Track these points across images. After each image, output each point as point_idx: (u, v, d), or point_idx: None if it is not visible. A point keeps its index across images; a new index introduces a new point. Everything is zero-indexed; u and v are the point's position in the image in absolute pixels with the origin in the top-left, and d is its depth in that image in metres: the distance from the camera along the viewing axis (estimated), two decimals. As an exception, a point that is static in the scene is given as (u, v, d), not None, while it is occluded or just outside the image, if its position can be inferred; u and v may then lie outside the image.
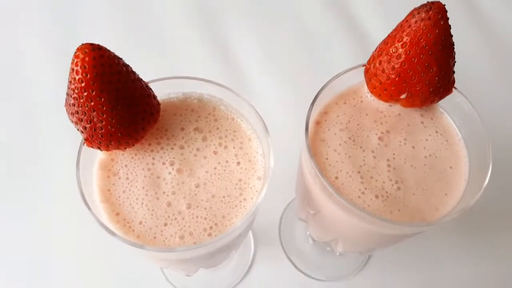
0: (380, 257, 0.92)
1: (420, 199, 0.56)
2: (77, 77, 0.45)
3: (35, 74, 1.08)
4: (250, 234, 0.94)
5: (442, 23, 0.50)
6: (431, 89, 0.55)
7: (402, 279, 0.90)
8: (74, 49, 0.45)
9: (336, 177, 0.56)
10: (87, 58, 0.45)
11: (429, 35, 0.51)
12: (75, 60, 0.45)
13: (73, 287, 0.85)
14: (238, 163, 0.56)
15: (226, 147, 0.57)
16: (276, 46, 1.15)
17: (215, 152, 0.57)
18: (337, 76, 0.59)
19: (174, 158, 0.56)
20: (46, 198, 0.93)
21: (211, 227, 0.52)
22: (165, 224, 0.52)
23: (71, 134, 0.96)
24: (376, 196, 0.55)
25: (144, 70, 0.54)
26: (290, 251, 0.92)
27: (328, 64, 1.13)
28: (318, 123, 0.59)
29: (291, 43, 1.16)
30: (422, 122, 0.61)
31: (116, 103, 0.48)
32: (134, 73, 0.50)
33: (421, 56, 0.53)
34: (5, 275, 0.86)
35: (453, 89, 0.58)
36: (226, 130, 0.58)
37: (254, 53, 1.14)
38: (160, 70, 0.59)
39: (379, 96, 0.58)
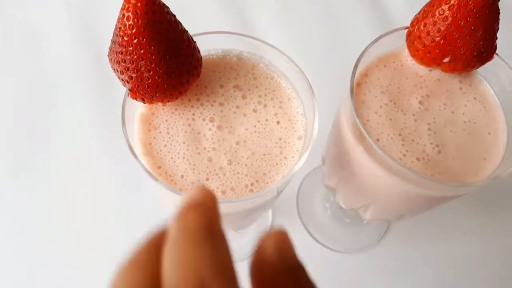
0: (397, 231, 0.93)
1: (460, 164, 0.55)
2: (127, 23, 0.44)
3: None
4: (269, 204, 0.94)
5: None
6: (475, 53, 0.55)
7: (419, 253, 0.90)
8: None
9: (377, 139, 0.55)
10: (139, 4, 0.43)
11: (478, -3, 0.50)
12: (127, 6, 0.44)
13: (86, 246, 0.85)
14: (278, 122, 0.56)
15: (265, 105, 0.56)
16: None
17: (254, 110, 0.56)
18: (379, 38, 0.58)
19: (214, 114, 0.55)
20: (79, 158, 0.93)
21: (252, 184, 0.52)
22: (207, 179, 0.51)
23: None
24: (418, 159, 0.55)
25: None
26: (308, 222, 0.92)
27: (346, 31, 1.12)
28: (358, 84, 0.58)
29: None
30: (460, 88, 0.60)
31: (165, 53, 0.46)
32: (180, 23, 0.49)
33: (468, 19, 0.52)
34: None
35: (495, 55, 0.57)
36: (266, 89, 0.57)
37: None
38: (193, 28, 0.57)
39: (421, 59, 0.57)
